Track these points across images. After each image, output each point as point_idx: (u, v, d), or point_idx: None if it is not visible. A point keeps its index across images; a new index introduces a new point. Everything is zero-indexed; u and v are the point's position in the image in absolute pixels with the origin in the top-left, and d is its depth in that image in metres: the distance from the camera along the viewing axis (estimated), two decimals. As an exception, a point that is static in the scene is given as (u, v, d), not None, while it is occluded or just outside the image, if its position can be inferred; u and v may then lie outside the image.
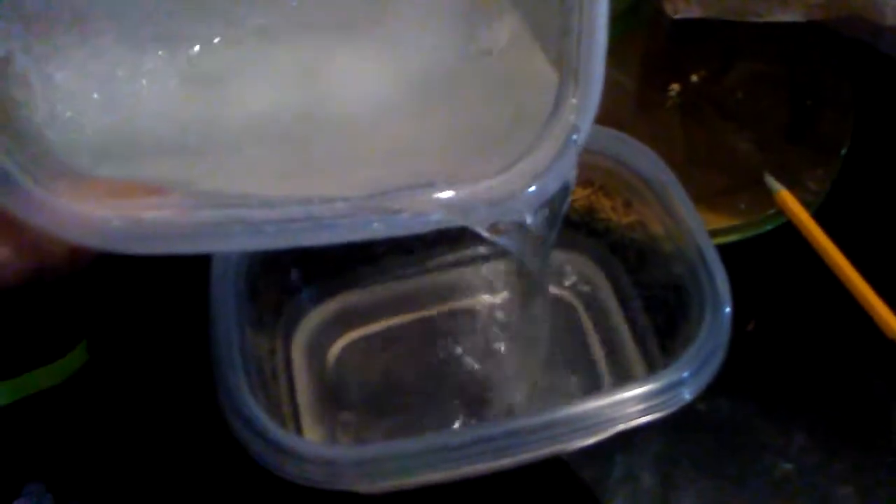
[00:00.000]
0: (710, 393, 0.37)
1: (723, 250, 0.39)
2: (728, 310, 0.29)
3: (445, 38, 0.28)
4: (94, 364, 0.38)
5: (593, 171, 0.35)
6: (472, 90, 0.27)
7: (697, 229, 0.32)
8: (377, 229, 0.23)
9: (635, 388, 0.27)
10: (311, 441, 0.31)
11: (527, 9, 0.27)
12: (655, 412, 0.27)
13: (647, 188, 0.34)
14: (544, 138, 0.25)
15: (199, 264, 0.31)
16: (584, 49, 0.25)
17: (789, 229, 0.40)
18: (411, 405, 0.35)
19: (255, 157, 0.26)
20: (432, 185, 0.24)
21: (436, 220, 0.24)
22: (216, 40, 0.27)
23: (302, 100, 0.28)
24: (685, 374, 0.28)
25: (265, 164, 0.26)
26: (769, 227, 0.41)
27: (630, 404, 0.27)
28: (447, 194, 0.24)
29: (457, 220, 0.24)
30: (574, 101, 0.26)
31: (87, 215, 0.21)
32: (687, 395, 0.28)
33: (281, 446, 0.26)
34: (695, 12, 0.41)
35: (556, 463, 0.35)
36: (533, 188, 0.25)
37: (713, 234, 0.39)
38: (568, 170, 0.26)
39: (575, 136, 0.25)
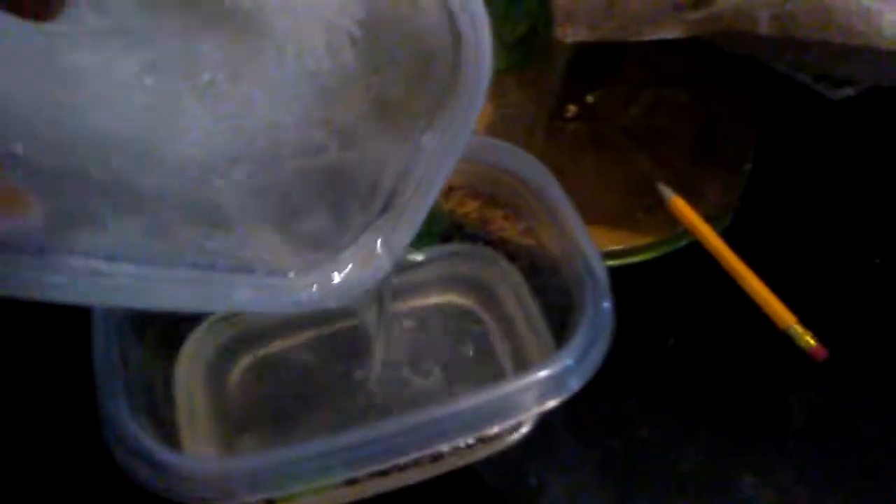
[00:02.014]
0: (618, 393, 0.38)
1: (638, 269, 0.41)
2: (607, 304, 0.30)
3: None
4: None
5: (481, 183, 0.36)
6: (303, 184, 0.27)
7: (579, 231, 0.32)
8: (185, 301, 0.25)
9: (525, 377, 0.28)
10: (196, 456, 0.31)
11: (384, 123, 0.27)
12: (546, 400, 0.28)
13: (532, 194, 0.34)
14: (349, 259, 0.28)
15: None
16: (417, 199, 0.27)
17: (696, 247, 0.41)
18: (312, 425, 0.35)
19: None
20: (252, 272, 0.26)
21: (244, 300, 0.26)
22: None
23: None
24: (569, 363, 0.28)
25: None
26: (683, 243, 0.42)
27: (518, 395, 0.27)
28: (262, 282, 0.27)
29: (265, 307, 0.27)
30: (390, 229, 0.28)
31: None
32: (574, 383, 0.28)
33: (164, 466, 0.26)
34: (584, 35, 0.43)
35: (467, 474, 0.35)
36: (334, 292, 0.28)
37: (626, 253, 0.42)
38: (371, 282, 0.28)
39: (378, 263, 0.28)
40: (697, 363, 0.40)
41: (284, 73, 0.23)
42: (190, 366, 0.35)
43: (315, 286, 0.28)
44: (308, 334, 0.38)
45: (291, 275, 0.28)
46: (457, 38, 0.23)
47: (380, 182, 0.27)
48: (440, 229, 0.39)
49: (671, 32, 0.42)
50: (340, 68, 0.23)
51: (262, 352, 0.37)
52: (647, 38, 0.43)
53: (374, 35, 0.23)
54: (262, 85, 0.23)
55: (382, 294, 0.31)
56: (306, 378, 0.37)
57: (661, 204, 0.43)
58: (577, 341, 0.29)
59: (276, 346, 0.37)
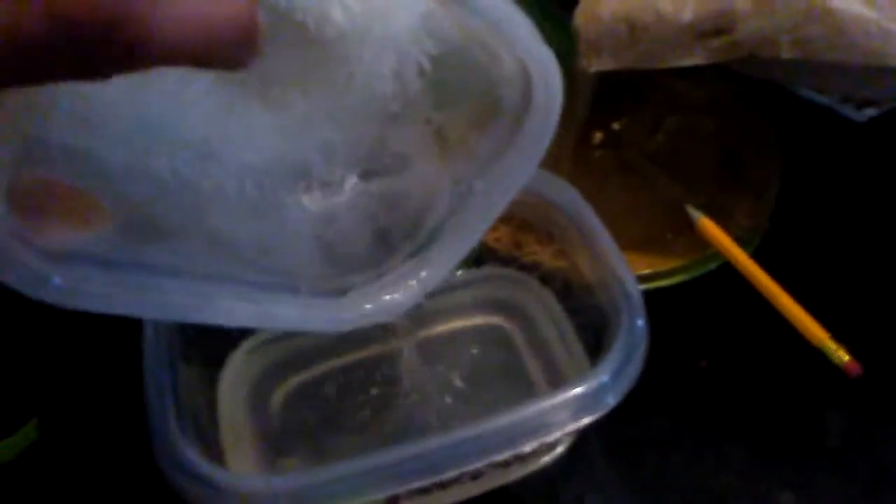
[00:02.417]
0: (652, 414, 0.38)
1: (667, 293, 0.41)
2: (641, 321, 0.31)
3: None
4: (43, 442, 0.38)
5: (513, 207, 0.37)
6: (353, 207, 0.28)
7: (612, 253, 0.33)
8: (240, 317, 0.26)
9: (560, 394, 0.28)
10: (244, 475, 0.32)
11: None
12: (583, 416, 0.28)
13: (565, 218, 0.35)
14: (388, 284, 0.29)
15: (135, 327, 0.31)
16: (460, 240, 0.29)
17: (727, 269, 0.41)
18: (351, 446, 0.35)
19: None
20: (298, 291, 0.27)
21: (291, 318, 0.27)
22: None
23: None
24: (605, 379, 0.28)
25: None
26: (711, 267, 0.43)
27: (556, 410, 0.28)
28: (306, 301, 0.28)
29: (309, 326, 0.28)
30: (429, 262, 0.29)
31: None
32: (610, 399, 0.28)
33: (214, 483, 0.26)
34: (608, 64, 0.44)
35: (504, 494, 0.35)
36: (372, 314, 0.29)
37: (655, 277, 0.42)
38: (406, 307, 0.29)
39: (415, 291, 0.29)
40: (731, 383, 0.40)
41: (351, 95, 0.23)
42: (233, 388, 0.36)
43: (356, 308, 0.29)
44: (345, 358, 0.39)
45: (334, 295, 0.29)
46: (526, 93, 0.24)
47: (426, 216, 0.28)
48: (473, 253, 0.40)
49: (694, 60, 0.43)
50: (405, 96, 0.24)
51: (301, 375, 0.38)
52: (669, 65, 0.43)
53: (443, 71, 0.24)
54: (327, 104, 0.23)
55: (416, 318, 0.32)
56: (344, 400, 0.37)
57: (689, 228, 0.44)
58: (612, 358, 0.29)
59: (315, 370, 0.38)
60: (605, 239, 0.33)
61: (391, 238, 0.29)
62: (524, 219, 0.38)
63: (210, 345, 0.35)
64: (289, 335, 0.38)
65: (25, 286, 0.20)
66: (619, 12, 0.43)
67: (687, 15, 0.42)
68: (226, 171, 0.23)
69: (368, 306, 0.29)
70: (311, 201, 0.26)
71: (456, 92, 0.25)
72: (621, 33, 0.43)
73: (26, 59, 0.15)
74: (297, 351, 0.38)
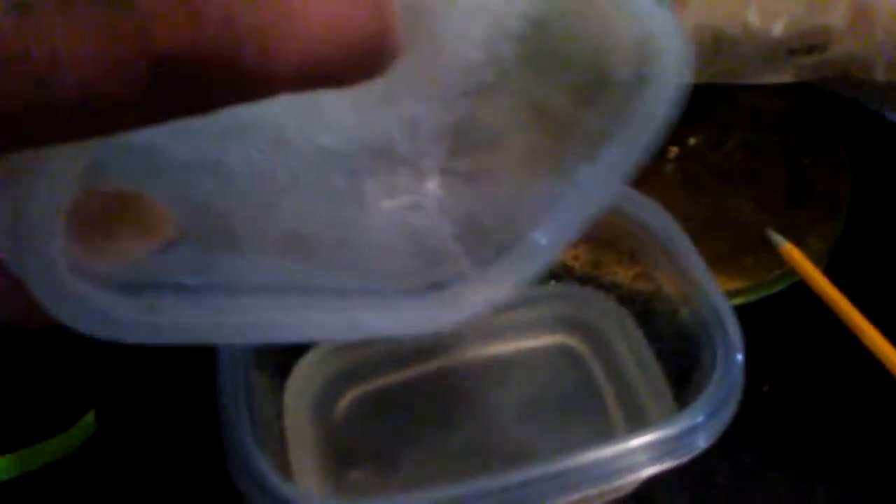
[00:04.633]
0: (728, 450, 0.36)
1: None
2: (740, 356, 0.29)
3: None
4: (102, 435, 0.37)
5: (596, 225, 0.36)
6: (440, 195, 0.26)
7: (705, 279, 0.32)
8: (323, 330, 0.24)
9: (648, 434, 0.27)
10: (318, 495, 0.31)
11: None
12: (670, 459, 0.27)
13: (652, 240, 0.34)
14: (468, 288, 0.27)
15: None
16: (553, 243, 0.26)
17: (795, 290, 0.40)
18: (424, 463, 0.34)
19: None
20: (377, 293, 0.25)
21: (372, 323, 0.25)
22: None
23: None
24: (699, 420, 0.27)
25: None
26: (777, 289, 0.41)
27: (643, 451, 0.27)
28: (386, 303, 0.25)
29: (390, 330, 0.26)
30: (512, 265, 0.27)
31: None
32: (701, 441, 0.27)
33: (287, 500, 0.26)
34: (688, 78, 0.42)
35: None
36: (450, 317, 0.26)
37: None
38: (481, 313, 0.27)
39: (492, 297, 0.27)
40: (796, 409, 0.38)
41: (437, 63, 0.21)
42: (297, 398, 0.35)
43: (436, 310, 0.27)
44: (409, 372, 0.37)
45: (420, 295, 0.27)
46: (642, 63, 0.21)
47: (519, 207, 0.26)
48: (548, 270, 0.39)
49: (782, 77, 0.42)
50: (498, 63, 0.21)
51: (365, 387, 0.37)
52: (755, 82, 0.43)
53: (544, 36, 0.21)
54: (410, 74, 0.20)
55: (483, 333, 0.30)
56: (409, 415, 0.36)
57: (757, 247, 0.42)
58: (707, 396, 0.28)
59: (380, 381, 0.37)
60: (697, 264, 0.32)
61: (481, 227, 0.26)
62: (605, 237, 0.36)
63: (280, 352, 0.34)
64: (355, 343, 0.37)
65: (96, 327, 0.18)
66: (704, 24, 0.41)
67: (777, 30, 0.40)
68: (302, 158, 0.21)
69: (462, 303, 0.27)
70: (395, 185, 0.24)
71: (559, 60, 0.22)
72: (706, 46, 0.42)
73: (118, 110, 0.12)
74: (362, 361, 0.37)
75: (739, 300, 0.41)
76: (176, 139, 0.18)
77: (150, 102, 0.12)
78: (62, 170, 0.15)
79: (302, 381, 0.36)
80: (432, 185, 0.25)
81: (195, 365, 0.30)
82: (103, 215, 0.18)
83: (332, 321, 0.24)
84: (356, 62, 0.14)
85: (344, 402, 0.36)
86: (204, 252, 0.21)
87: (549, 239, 0.26)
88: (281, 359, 0.35)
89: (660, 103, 0.22)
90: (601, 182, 0.24)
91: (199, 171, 0.19)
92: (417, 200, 0.25)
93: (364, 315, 0.25)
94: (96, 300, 0.17)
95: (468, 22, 0.20)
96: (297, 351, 0.36)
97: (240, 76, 0.13)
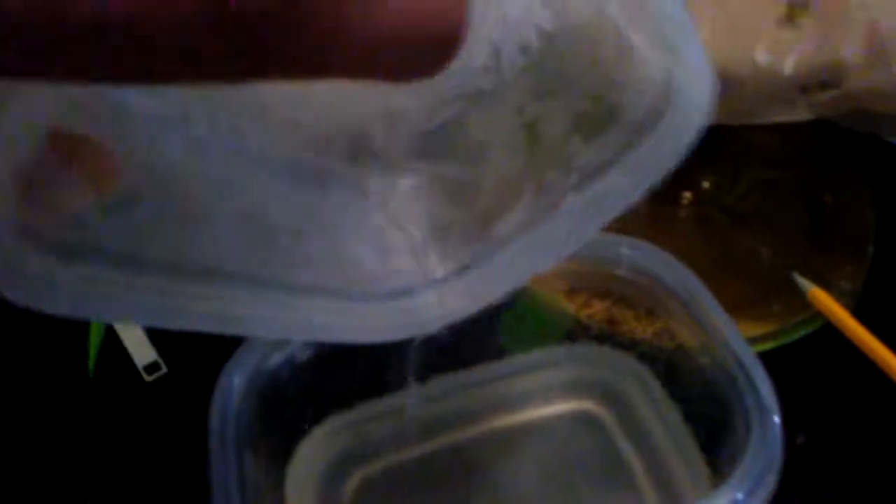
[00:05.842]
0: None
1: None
2: (777, 419, 0.27)
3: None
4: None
5: (610, 282, 0.34)
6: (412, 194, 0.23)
7: (731, 334, 0.29)
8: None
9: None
10: None
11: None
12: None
13: (670, 295, 0.32)
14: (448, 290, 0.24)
15: (200, 416, 0.29)
16: (531, 260, 0.23)
17: (822, 333, 0.38)
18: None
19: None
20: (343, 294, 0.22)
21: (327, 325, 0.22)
22: None
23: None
24: (739, 496, 0.25)
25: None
26: (803, 333, 0.39)
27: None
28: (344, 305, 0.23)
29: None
30: (491, 270, 0.23)
31: None
32: (744, 517, 0.25)
33: None
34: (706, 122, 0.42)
35: None
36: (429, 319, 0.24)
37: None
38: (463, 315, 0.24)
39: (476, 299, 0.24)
40: (837, 462, 0.36)
41: None
42: (301, 484, 0.33)
43: (398, 318, 0.24)
44: (420, 448, 0.35)
45: (384, 299, 0.24)
46: (658, 104, 0.19)
47: (496, 221, 0.23)
48: (563, 329, 0.36)
49: (795, 115, 0.41)
50: (499, 73, 0.19)
51: (372, 467, 0.35)
52: (767, 121, 0.41)
53: (553, 53, 0.19)
54: None
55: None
56: (423, 496, 0.34)
57: (781, 291, 0.40)
58: (746, 467, 0.25)
59: (389, 460, 0.35)
60: (719, 316, 0.30)
61: (451, 237, 0.24)
62: (622, 294, 0.34)
63: (278, 433, 0.32)
64: (359, 423, 0.35)
65: (31, 297, 0.16)
66: (712, 64, 0.40)
67: (788, 67, 0.39)
68: (276, 132, 0.19)
69: (425, 314, 0.24)
70: (363, 178, 0.22)
71: (564, 82, 0.20)
72: (715, 87, 0.41)
73: (161, 42, 0.10)
74: (367, 440, 0.35)
75: (765, 346, 0.39)
76: (153, 92, 0.17)
77: (194, 46, 0.11)
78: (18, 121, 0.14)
79: (304, 465, 0.33)
80: (403, 186, 0.22)
81: (191, 457, 0.29)
82: (47, 159, 0.16)
83: (283, 319, 0.22)
84: (427, 57, 0.13)
85: (350, 485, 0.34)
86: (157, 220, 0.19)
87: (521, 262, 0.23)
88: (280, 442, 0.33)
89: (670, 150, 0.20)
90: (586, 217, 0.22)
91: (168, 130, 0.18)
92: (384, 198, 0.23)
93: (319, 317, 0.22)
94: (34, 263, 0.16)
95: (479, 24, 0.18)
96: (299, 432, 0.34)
97: (298, 49, 0.11)
